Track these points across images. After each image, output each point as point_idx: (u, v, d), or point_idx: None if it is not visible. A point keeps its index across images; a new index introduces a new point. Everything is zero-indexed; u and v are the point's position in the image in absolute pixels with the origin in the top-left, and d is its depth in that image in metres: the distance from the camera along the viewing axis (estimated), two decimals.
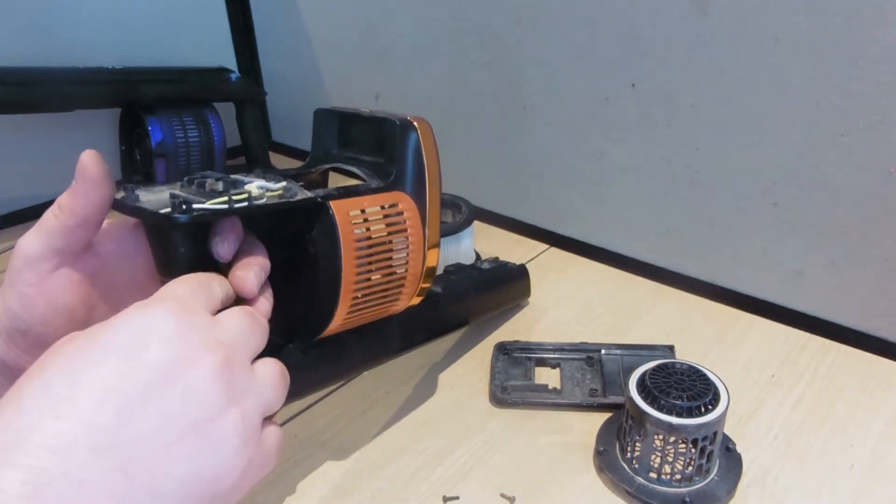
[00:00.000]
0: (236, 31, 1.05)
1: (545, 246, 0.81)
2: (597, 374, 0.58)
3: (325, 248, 0.40)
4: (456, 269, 0.64)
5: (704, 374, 0.47)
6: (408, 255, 0.44)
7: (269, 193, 0.37)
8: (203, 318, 0.29)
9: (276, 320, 0.35)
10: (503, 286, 0.66)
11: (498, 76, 0.79)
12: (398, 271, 0.43)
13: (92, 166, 0.32)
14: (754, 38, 0.59)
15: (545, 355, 0.60)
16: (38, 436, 0.23)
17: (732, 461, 0.48)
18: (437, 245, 0.46)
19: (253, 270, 0.34)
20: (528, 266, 0.68)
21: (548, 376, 0.59)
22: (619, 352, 0.60)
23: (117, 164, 0.91)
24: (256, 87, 1.06)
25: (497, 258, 0.68)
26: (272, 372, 0.32)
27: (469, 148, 0.85)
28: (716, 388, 0.45)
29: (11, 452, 0.23)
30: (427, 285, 0.47)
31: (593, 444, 0.50)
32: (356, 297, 0.41)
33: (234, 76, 0.95)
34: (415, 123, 0.44)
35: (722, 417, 0.44)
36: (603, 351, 0.60)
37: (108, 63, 0.84)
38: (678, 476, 0.46)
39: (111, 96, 0.84)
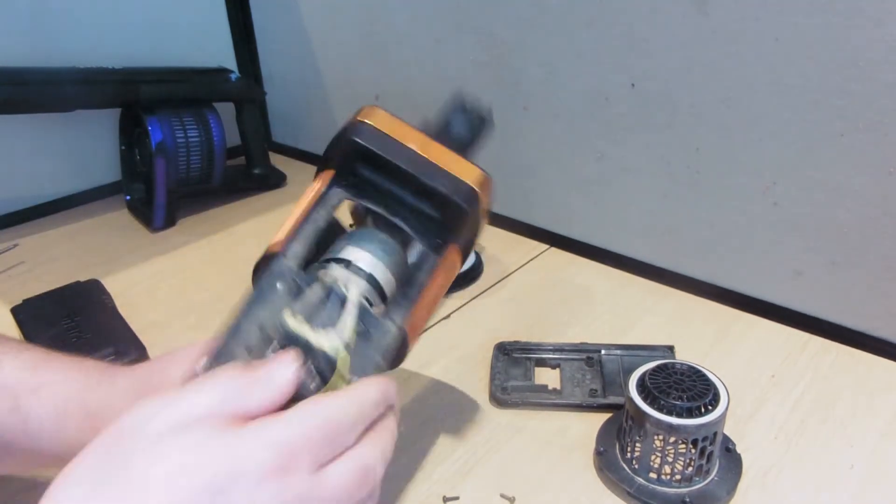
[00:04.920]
0: (236, 31, 1.05)
1: (545, 246, 0.81)
2: (597, 375, 0.58)
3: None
4: None
5: (704, 375, 0.47)
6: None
7: (340, 355, 0.34)
8: (300, 483, 0.28)
9: None
10: None
11: (498, 76, 0.79)
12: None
13: None
14: (754, 38, 0.59)
15: (545, 355, 0.60)
16: None
17: (732, 461, 0.48)
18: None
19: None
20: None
21: (548, 376, 0.59)
22: (619, 352, 0.60)
23: (117, 164, 0.91)
24: (256, 87, 1.06)
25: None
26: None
27: None
28: (716, 389, 0.45)
29: None
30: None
31: (593, 445, 0.50)
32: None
33: (234, 76, 0.95)
34: (479, 193, 0.41)
35: (722, 418, 0.44)
36: (603, 351, 0.60)
37: (109, 63, 0.84)
38: (678, 476, 0.46)
39: (111, 96, 0.84)
